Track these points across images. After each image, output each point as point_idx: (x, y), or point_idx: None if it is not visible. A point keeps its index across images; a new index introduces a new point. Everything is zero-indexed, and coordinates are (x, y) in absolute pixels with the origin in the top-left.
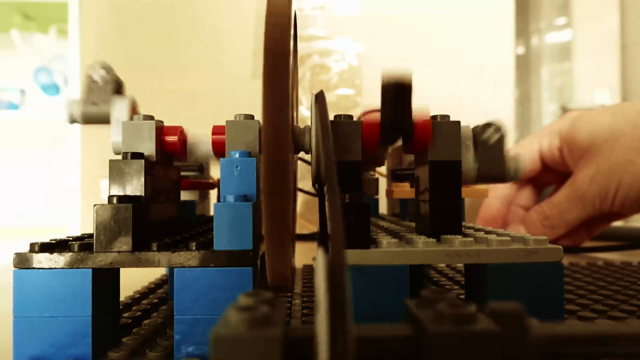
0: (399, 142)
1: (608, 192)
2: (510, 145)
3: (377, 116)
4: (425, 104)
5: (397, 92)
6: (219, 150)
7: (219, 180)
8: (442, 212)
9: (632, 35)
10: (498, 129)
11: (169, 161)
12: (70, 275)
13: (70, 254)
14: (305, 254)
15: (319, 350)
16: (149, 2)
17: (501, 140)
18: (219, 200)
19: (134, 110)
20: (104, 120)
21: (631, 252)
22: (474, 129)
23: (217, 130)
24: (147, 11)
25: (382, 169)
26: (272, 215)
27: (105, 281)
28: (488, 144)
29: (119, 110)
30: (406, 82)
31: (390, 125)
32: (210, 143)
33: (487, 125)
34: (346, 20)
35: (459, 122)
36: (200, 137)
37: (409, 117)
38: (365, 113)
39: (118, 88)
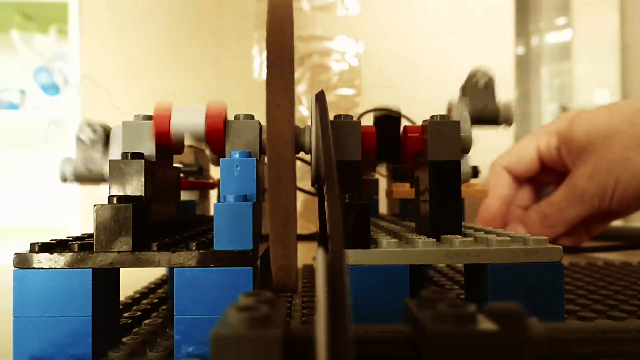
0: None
1: (606, 190)
2: (510, 142)
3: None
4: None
5: (387, 124)
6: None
7: (219, 180)
8: (442, 212)
9: (632, 35)
10: (485, 73)
11: (169, 161)
12: (70, 275)
13: (70, 254)
14: (305, 254)
15: (319, 350)
16: (149, 2)
17: (490, 83)
18: (219, 200)
19: None
20: (96, 180)
21: (631, 252)
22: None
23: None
24: (147, 11)
25: (382, 169)
26: (278, 218)
27: (105, 281)
28: (478, 87)
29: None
30: (395, 115)
31: (384, 152)
32: (204, 120)
33: (475, 71)
34: (346, 20)
35: (458, 122)
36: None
37: (398, 145)
38: (361, 115)
39: (107, 142)
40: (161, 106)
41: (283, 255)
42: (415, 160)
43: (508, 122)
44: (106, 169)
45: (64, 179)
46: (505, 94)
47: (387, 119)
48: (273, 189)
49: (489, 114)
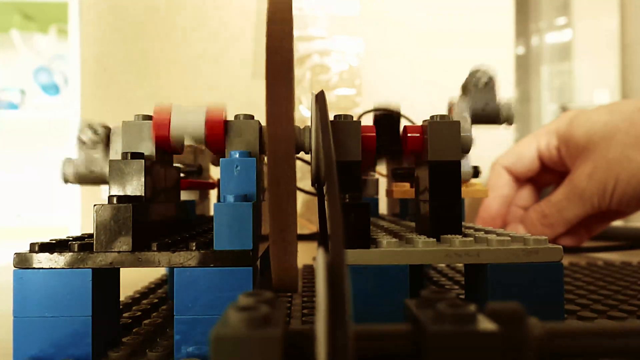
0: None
1: (606, 189)
2: (510, 142)
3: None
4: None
5: (387, 122)
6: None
7: (219, 180)
8: (442, 212)
9: (632, 35)
10: (486, 72)
11: (168, 161)
12: (70, 275)
13: (70, 254)
14: (305, 254)
15: (319, 350)
16: (149, 2)
17: (491, 82)
18: (219, 200)
19: None
20: (98, 181)
21: (631, 252)
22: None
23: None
24: (146, 11)
25: (382, 169)
26: (278, 219)
27: (105, 281)
28: (479, 86)
29: None
30: (394, 114)
31: (383, 148)
32: (204, 122)
33: (475, 70)
34: (346, 20)
35: (458, 122)
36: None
37: (398, 141)
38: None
39: (108, 142)
40: (160, 109)
41: (283, 256)
42: (415, 158)
43: (509, 121)
44: (107, 170)
45: (66, 180)
46: (505, 94)
47: (387, 117)
48: (273, 189)
49: (489, 113)
